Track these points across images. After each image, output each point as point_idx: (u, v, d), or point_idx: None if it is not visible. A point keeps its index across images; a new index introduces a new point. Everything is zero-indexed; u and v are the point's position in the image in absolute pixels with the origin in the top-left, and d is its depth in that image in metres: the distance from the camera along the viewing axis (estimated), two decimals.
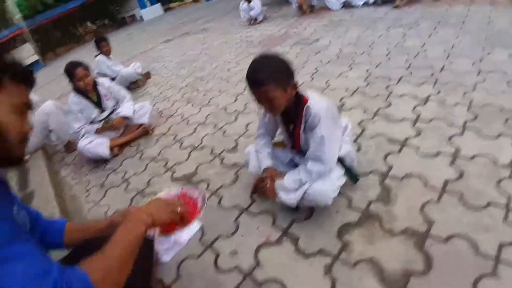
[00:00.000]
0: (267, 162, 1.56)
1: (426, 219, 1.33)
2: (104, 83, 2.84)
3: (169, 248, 1.57)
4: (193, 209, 1.11)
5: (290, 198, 1.42)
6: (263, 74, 1.25)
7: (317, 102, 1.38)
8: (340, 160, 1.49)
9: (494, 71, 2.33)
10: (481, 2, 3.97)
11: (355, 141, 1.93)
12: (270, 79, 1.24)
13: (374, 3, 5.03)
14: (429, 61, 2.73)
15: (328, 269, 1.25)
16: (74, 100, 2.66)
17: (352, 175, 1.52)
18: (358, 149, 1.87)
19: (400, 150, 1.78)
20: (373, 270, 1.20)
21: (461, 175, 1.50)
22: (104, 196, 2.22)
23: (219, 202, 1.80)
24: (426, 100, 2.18)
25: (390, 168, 1.67)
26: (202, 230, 1.63)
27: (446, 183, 1.48)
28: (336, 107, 1.48)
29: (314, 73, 3.18)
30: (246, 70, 1.27)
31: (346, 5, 5.36)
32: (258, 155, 1.61)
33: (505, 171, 1.46)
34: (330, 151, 1.37)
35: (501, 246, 1.14)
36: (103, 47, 4.32)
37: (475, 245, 1.17)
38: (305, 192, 1.37)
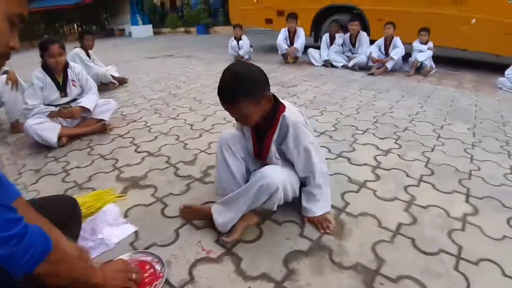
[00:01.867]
0: None
1: (378, 257, 1.27)
2: (75, 68, 2.67)
3: (93, 247, 1.35)
4: (151, 273, 1.17)
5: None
6: (234, 91, 1.17)
7: (294, 114, 1.36)
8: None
9: (452, 139, 2.48)
10: (447, 84, 4.41)
11: None
12: (241, 96, 1.17)
13: (352, 68, 5.42)
14: (394, 121, 2.88)
15: None
16: (38, 75, 2.45)
17: None
18: None
19: (358, 191, 1.77)
20: None
21: (415, 221, 1.49)
22: (36, 182, 1.94)
23: (163, 210, 1.62)
24: (388, 151, 2.25)
25: (347, 204, 1.63)
26: (136, 233, 1.44)
27: (400, 226, 1.45)
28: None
29: None
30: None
31: (327, 64, 5.72)
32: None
33: (457, 224, 1.47)
34: (318, 158, 1.40)
35: None
36: (86, 40, 4.16)
37: None
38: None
